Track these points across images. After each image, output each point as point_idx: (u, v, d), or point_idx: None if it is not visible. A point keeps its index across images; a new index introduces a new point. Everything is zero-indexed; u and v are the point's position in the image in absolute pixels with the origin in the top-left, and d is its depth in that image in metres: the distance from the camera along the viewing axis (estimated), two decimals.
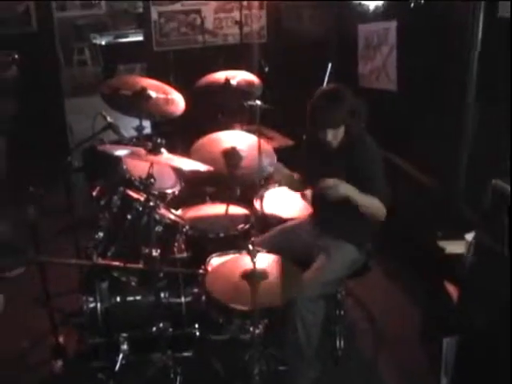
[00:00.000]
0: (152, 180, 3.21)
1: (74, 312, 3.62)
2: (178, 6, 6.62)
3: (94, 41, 10.77)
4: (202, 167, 3.39)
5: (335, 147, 3.45)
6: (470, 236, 3.20)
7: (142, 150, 3.27)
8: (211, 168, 3.49)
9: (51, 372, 3.53)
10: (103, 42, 10.46)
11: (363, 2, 5.15)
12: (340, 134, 3.41)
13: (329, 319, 3.65)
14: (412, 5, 4.41)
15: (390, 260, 4.37)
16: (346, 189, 3.25)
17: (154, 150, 3.19)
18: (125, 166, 3.77)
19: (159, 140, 3.18)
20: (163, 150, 3.27)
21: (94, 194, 3.88)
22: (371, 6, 5.04)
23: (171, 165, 3.59)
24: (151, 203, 3.24)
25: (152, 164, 3.24)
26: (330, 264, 3.44)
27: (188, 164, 3.41)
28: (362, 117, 3.45)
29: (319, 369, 3.50)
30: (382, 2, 4.91)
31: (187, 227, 3.69)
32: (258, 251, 2.95)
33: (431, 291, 3.75)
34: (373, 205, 3.31)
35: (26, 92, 6.49)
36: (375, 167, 3.40)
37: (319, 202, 3.63)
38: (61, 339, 3.60)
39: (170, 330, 3.39)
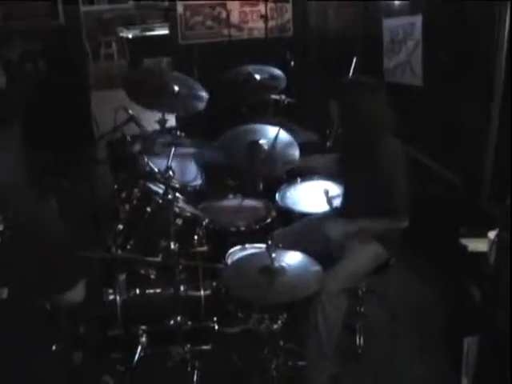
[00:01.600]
0: (171, 173, 3.20)
1: (94, 304, 3.63)
2: (203, 0, 6.61)
3: (121, 34, 10.82)
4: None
5: (356, 144, 3.44)
6: (492, 234, 3.15)
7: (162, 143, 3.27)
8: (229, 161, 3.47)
9: (71, 363, 3.54)
10: (130, 36, 10.51)
11: None
12: (358, 128, 3.41)
13: (349, 316, 3.63)
14: None
15: (411, 257, 4.32)
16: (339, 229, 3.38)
17: (175, 143, 3.18)
18: (146, 159, 3.77)
19: (178, 133, 3.17)
20: (182, 143, 3.26)
21: (116, 186, 3.89)
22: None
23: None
24: (170, 196, 3.23)
25: (171, 157, 3.23)
26: (354, 258, 3.43)
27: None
28: (384, 120, 3.42)
29: (338, 365, 3.48)
30: None
31: (207, 220, 3.68)
32: (278, 246, 2.94)
33: (453, 289, 3.71)
34: (379, 225, 3.37)
35: (53, 85, 6.55)
36: (395, 171, 3.36)
37: (346, 196, 3.65)
38: (81, 330, 3.62)
39: (189, 323, 3.38)
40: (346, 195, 3.72)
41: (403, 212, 3.35)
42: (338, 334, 3.37)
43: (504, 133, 3.82)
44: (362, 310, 3.83)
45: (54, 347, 2.62)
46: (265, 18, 6.49)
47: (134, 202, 3.57)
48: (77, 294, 2.46)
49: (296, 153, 3.93)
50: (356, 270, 3.45)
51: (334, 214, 3.72)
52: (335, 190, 3.99)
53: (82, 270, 2.47)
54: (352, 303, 3.73)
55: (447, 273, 3.85)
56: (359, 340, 3.78)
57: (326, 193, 3.87)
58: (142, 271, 3.45)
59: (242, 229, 3.82)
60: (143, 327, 3.39)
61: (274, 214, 3.97)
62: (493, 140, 3.89)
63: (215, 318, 3.47)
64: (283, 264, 2.91)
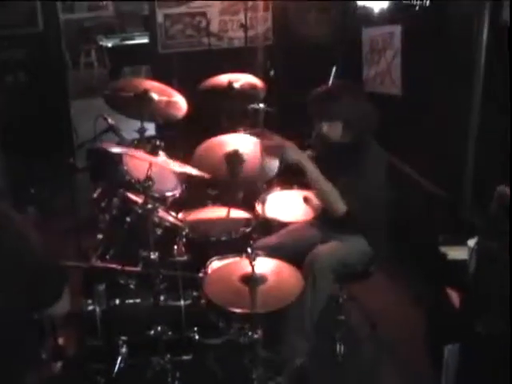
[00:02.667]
0: (150, 182, 3.18)
1: (73, 314, 3.60)
2: (183, 9, 6.62)
3: (101, 43, 10.80)
4: (195, 172, 3.37)
5: (337, 147, 3.48)
6: (472, 242, 3.17)
7: (140, 152, 3.25)
8: (205, 174, 3.46)
9: (50, 374, 3.51)
10: (109, 44, 10.47)
11: (368, 5, 5.13)
12: (337, 129, 3.44)
13: (330, 324, 3.64)
14: (417, 8, 4.38)
15: (392, 265, 4.33)
16: (296, 155, 3.36)
17: (153, 152, 3.16)
18: (125, 168, 3.75)
19: (158, 142, 3.15)
20: (161, 152, 3.24)
21: (95, 195, 3.87)
22: (376, 9, 5.01)
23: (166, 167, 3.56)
24: (150, 206, 3.22)
25: (151, 166, 3.21)
26: (344, 246, 3.52)
27: (182, 167, 3.40)
28: (369, 122, 3.45)
29: (314, 343, 3.50)
30: (386, 5, 4.88)
31: (187, 230, 3.66)
32: (258, 255, 2.93)
33: (433, 297, 3.72)
34: (328, 193, 3.39)
35: (31, 93, 6.51)
36: (371, 177, 3.40)
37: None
38: (60, 341, 3.58)
39: (169, 333, 3.36)
40: None
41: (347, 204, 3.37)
42: (320, 310, 3.42)
43: (483, 141, 3.85)
44: (343, 317, 3.83)
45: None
46: (244, 27, 6.50)
47: (114, 211, 3.55)
48: (63, 304, 2.44)
49: (276, 163, 3.92)
50: (345, 254, 3.50)
51: (315, 222, 3.74)
52: (314, 197, 3.99)
53: (65, 280, 2.45)
54: (332, 311, 3.75)
55: (427, 280, 3.87)
56: (339, 348, 3.78)
57: (306, 200, 3.89)
58: (122, 281, 3.43)
59: (222, 238, 3.80)
60: (123, 337, 3.38)
61: (253, 223, 3.96)
62: (472, 148, 3.92)
63: (196, 328, 3.46)
64: (264, 272, 2.91)
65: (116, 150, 3.30)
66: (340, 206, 3.39)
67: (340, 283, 3.62)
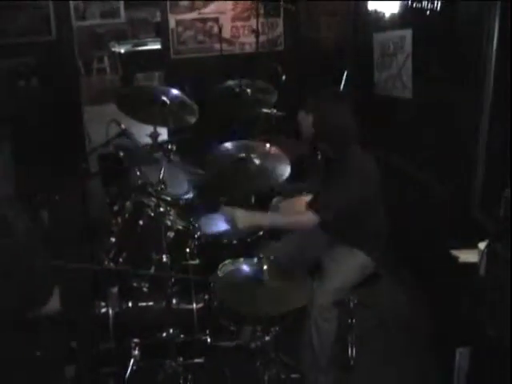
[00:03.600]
0: (163, 186, 3.21)
1: (86, 317, 3.63)
2: (195, 15, 6.65)
3: (113, 49, 10.86)
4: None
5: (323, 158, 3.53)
6: (483, 245, 3.16)
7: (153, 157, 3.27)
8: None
9: (63, 377, 3.53)
10: (122, 51, 10.54)
11: (379, 10, 5.14)
12: (307, 122, 3.45)
13: (341, 328, 3.64)
14: (428, 12, 4.39)
15: (402, 268, 4.34)
16: (245, 221, 3.33)
17: (166, 157, 3.18)
18: (138, 172, 3.78)
19: (171, 147, 3.18)
20: (174, 156, 3.26)
21: (108, 199, 3.89)
22: (387, 13, 5.03)
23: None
24: (162, 209, 3.25)
25: (164, 170, 3.24)
26: (341, 270, 3.46)
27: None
28: (348, 135, 3.45)
29: (333, 376, 3.49)
30: (397, 9, 4.89)
31: (199, 233, 3.68)
32: (270, 259, 2.95)
33: (444, 300, 3.72)
34: (292, 225, 3.48)
35: (44, 99, 6.57)
36: (341, 189, 3.34)
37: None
38: (72, 344, 3.61)
39: (181, 336, 3.39)
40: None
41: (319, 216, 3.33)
42: (332, 345, 3.40)
43: (494, 143, 3.85)
44: (354, 321, 3.83)
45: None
46: (256, 32, 6.53)
47: (126, 215, 3.58)
48: (54, 303, 2.46)
49: (287, 168, 3.94)
50: (344, 283, 3.47)
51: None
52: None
53: (53, 280, 2.48)
54: (343, 315, 3.75)
55: (438, 284, 3.86)
56: (351, 352, 3.78)
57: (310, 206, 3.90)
58: (135, 284, 3.46)
59: (234, 242, 3.82)
60: (135, 340, 3.39)
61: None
62: (483, 150, 3.92)
63: (207, 331, 3.47)
64: (275, 277, 2.92)
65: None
66: (306, 222, 3.37)
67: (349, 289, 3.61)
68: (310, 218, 3.31)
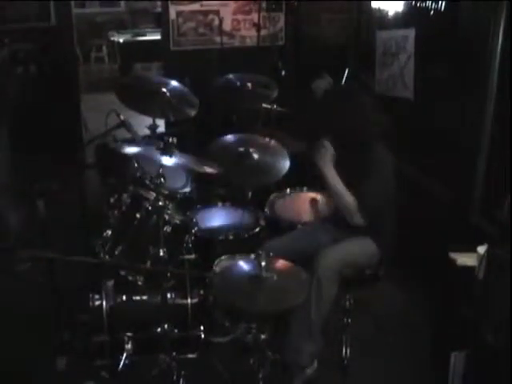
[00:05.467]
0: (162, 179, 3.18)
1: (80, 309, 3.60)
2: (196, 6, 6.60)
3: (112, 38, 10.80)
4: (210, 169, 3.37)
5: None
6: (482, 249, 3.15)
7: (152, 149, 3.24)
8: (220, 170, 3.46)
9: (55, 368, 3.51)
10: (121, 40, 10.47)
11: (382, 8, 5.11)
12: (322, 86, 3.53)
13: (336, 327, 3.63)
14: (431, 12, 4.37)
15: (400, 270, 4.32)
16: (324, 164, 3.47)
17: (165, 150, 3.15)
18: (136, 165, 3.75)
19: (171, 139, 3.14)
20: (174, 149, 3.23)
21: (105, 191, 3.86)
22: (390, 12, 5.00)
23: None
24: (160, 203, 3.22)
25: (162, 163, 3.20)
26: (353, 246, 3.54)
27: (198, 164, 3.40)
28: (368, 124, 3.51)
29: (322, 344, 3.50)
30: (401, 8, 4.87)
31: (196, 228, 3.66)
32: (267, 255, 2.93)
33: (441, 303, 3.71)
34: (345, 197, 3.46)
35: (42, 86, 6.53)
36: (377, 174, 3.46)
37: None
38: (66, 336, 3.59)
39: (175, 331, 3.37)
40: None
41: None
42: (327, 312, 3.42)
43: (495, 147, 3.84)
44: (350, 321, 3.82)
45: None
46: (257, 26, 6.49)
47: (124, 207, 3.55)
48: None
49: (286, 163, 3.92)
50: (354, 255, 3.52)
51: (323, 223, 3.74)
52: (323, 200, 3.99)
53: None
54: (339, 315, 3.74)
55: (435, 287, 3.85)
56: (346, 352, 3.77)
57: (312, 203, 3.89)
58: (130, 277, 3.43)
59: (231, 237, 3.80)
60: (129, 334, 3.37)
61: (262, 223, 3.96)
62: (483, 154, 3.90)
63: (202, 327, 3.46)
64: (272, 273, 2.90)
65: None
66: (356, 219, 3.45)
67: (348, 287, 3.60)
68: (356, 215, 3.45)
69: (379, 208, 3.48)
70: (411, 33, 4.66)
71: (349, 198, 3.45)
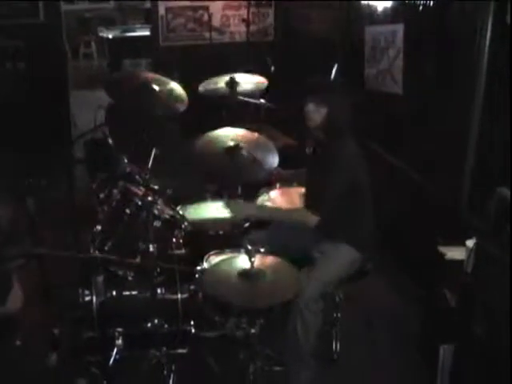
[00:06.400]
0: (151, 175, 3.18)
1: (70, 305, 3.60)
2: (185, 2, 6.62)
3: (101, 34, 10.76)
4: None
5: (321, 138, 3.53)
6: (470, 242, 3.17)
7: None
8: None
9: (45, 364, 3.50)
10: (110, 36, 10.43)
11: (371, 4, 5.12)
12: (320, 114, 3.46)
13: (326, 322, 3.64)
14: (420, 7, 4.38)
15: (389, 264, 4.35)
16: (245, 212, 3.60)
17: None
18: (125, 160, 3.74)
19: None
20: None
21: (94, 186, 3.85)
22: (379, 7, 5.01)
23: None
24: (150, 198, 3.22)
25: (152, 158, 3.21)
26: (329, 264, 3.47)
27: None
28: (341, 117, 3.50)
29: (315, 369, 3.49)
30: (390, 3, 4.88)
31: (186, 223, 3.66)
32: (257, 250, 2.93)
33: (430, 297, 3.73)
34: (292, 219, 3.55)
35: (30, 82, 6.50)
36: (336, 176, 3.41)
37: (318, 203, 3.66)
38: (56, 332, 3.57)
39: (165, 326, 3.36)
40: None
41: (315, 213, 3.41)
42: (316, 337, 3.40)
43: (483, 141, 3.85)
44: (339, 315, 3.83)
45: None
46: (247, 22, 6.49)
47: (113, 203, 3.54)
48: (14, 302, 2.44)
49: (275, 158, 3.92)
50: (332, 276, 3.47)
51: None
52: None
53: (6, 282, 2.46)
54: (329, 309, 3.75)
55: (424, 280, 3.87)
56: (335, 346, 3.78)
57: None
58: (120, 273, 3.42)
59: (221, 232, 3.80)
60: (119, 329, 3.35)
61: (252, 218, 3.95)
62: (472, 148, 3.92)
63: (192, 322, 3.45)
64: (262, 268, 2.91)
65: None
66: (308, 220, 3.43)
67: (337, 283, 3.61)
68: (308, 218, 3.42)
69: (354, 203, 3.47)
70: (400, 28, 4.67)
71: (284, 216, 3.58)
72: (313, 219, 3.41)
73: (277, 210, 3.74)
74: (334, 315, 3.83)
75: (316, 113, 3.48)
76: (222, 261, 3.19)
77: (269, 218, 3.66)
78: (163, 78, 4.29)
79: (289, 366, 3.44)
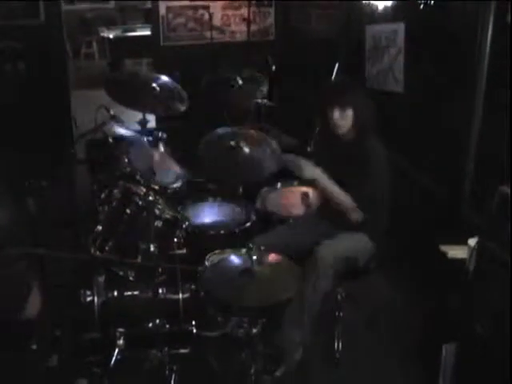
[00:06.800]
0: (152, 174, 3.18)
1: (72, 305, 3.59)
2: (186, 2, 6.61)
3: (102, 34, 10.77)
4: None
5: (345, 138, 3.55)
6: (472, 241, 3.16)
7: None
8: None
9: (46, 365, 3.49)
10: (111, 36, 10.46)
11: (372, 2, 5.11)
12: (348, 118, 3.50)
13: (328, 321, 3.64)
14: (421, 6, 4.37)
15: (391, 263, 4.33)
16: (312, 172, 3.48)
17: (155, 144, 3.15)
18: (126, 159, 3.74)
19: (160, 134, 3.14)
20: (161, 144, 3.22)
21: (95, 186, 3.85)
22: (380, 6, 5.00)
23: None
24: (151, 198, 3.21)
25: (153, 157, 3.20)
26: (346, 237, 3.54)
27: None
28: (372, 117, 3.53)
29: (312, 337, 3.52)
30: (390, 2, 4.87)
31: (187, 223, 3.65)
32: (258, 250, 2.93)
33: (432, 296, 3.72)
34: (346, 203, 3.47)
35: (31, 82, 6.50)
36: (375, 169, 3.46)
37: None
38: (57, 332, 3.57)
39: (167, 326, 3.35)
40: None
41: (361, 207, 3.46)
42: (319, 305, 3.44)
43: (485, 140, 3.84)
44: (341, 314, 3.82)
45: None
46: (247, 21, 6.49)
47: (114, 203, 3.53)
48: (34, 306, 2.44)
49: (278, 158, 3.92)
50: (352, 251, 3.52)
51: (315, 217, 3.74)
52: (314, 194, 3.98)
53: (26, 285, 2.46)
54: (331, 308, 3.74)
55: (426, 279, 3.86)
56: (338, 345, 3.77)
57: (304, 197, 3.88)
58: (121, 273, 3.41)
59: (222, 232, 3.80)
60: (121, 329, 3.34)
61: (253, 217, 3.95)
62: (473, 147, 3.91)
63: (194, 322, 3.45)
64: (264, 267, 2.90)
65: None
66: (356, 215, 3.47)
67: (340, 280, 3.60)
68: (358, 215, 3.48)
69: (375, 202, 3.49)
70: (401, 27, 4.67)
71: (344, 197, 3.47)
72: (357, 215, 3.47)
73: (335, 185, 3.58)
74: (336, 314, 3.82)
75: (344, 118, 3.51)
76: (224, 260, 3.18)
77: (328, 190, 3.55)
78: (165, 78, 4.29)
79: (289, 332, 3.45)
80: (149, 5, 8.27)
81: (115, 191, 3.55)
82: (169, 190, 3.91)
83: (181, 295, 3.43)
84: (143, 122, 4.17)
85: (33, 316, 2.53)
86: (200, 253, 3.56)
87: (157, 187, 3.57)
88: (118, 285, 3.41)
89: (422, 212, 4.38)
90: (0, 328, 2.41)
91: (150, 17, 7.12)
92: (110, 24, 11.29)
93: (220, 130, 4.03)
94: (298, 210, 3.96)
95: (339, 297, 3.78)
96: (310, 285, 3.35)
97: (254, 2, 6.62)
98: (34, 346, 2.73)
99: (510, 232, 2.79)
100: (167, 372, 3.30)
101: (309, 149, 4.03)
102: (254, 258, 2.84)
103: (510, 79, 3.46)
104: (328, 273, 3.38)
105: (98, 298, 3.32)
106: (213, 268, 3.20)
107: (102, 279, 3.33)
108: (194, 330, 3.44)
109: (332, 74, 5.03)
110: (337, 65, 4.65)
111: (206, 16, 6.60)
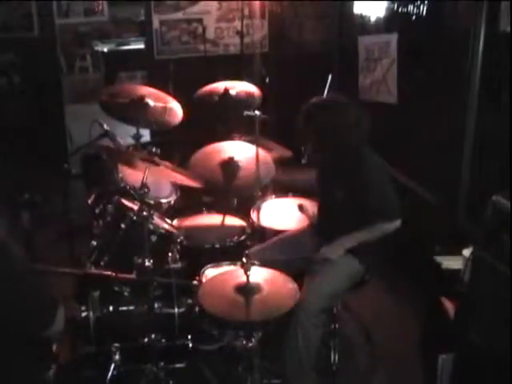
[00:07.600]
0: (146, 189, 3.18)
1: (67, 320, 3.58)
2: (179, 15, 6.61)
3: (96, 48, 10.79)
4: (190, 182, 3.37)
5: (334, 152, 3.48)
6: (467, 252, 3.16)
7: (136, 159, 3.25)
8: (200, 184, 3.47)
9: (43, 379, 3.48)
10: (105, 49, 10.49)
11: (364, 14, 5.14)
12: (325, 143, 3.46)
13: (324, 333, 3.62)
14: (413, 17, 4.39)
15: (386, 274, 4.33)
16: (337, 249, 3.40)
17: (149, 159, 3.15)
18: (120, 175, 3.74)
19: (154, 149, 3.15)
20: (157, 159, 3.22)
21: (90, 201, 3.85)
22: (372, 17, 5.02)
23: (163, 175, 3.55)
24: (145, 212, 3.21)
25: (146, 172, 3.20)
26: (332, 276, 3.42)
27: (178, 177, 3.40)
28: (362, 130, 3.43)
29: (316, 381, 3.47)
30: (383, 13, 4.89)
31: (182, 237, 3.65)
32: (253, 264, 2.92)
33: (428, 307, 3.72)
34: (373, 232, 3.38)
35: (25, 97, 6.50)
36: (372, 181, 3.37)
37: (323, 215, 3.64)
38: (53, 347, 3.56)
39: (163, 340, 3.35)
40: (323, 213, 3.71)
41: (390, 213, 3.39)
42: (317, 351, 3.38)
43: (479, 149, 3.85)
44: (337, 326, 3.82)
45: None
46: (240, 34, 6.50)
47: (108, 218, 3.54)
48: (58, 325, 2.45)
49: (271, 170, 3.92)
50: (334, 289, 3.43)
51: (310, 230, 3.74)
52: (310, 206, 3.99)
53: (55, 300, 2.46)
54: (327, 321, 3.73)
55: (421, 290, 3.86)
56: (334, 357, 3.76)
57: (301, 208, 3.88)
58: (116, 288, 3.42)
59: (217, 246, 3.79)
60: (116, 344, 3.35)
61: (248, 230, 3.95)
62: (468, 158, 3.92)
63: (189, 336, 3.44)
64: (259, 281, 2.90)
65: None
66: (389, 226, 3.43)
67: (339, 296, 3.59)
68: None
69: (369, 214, 3.41)
70: (394, 38, 4.69)
71: (374, 233, 3.41)
72: (392, 224, 3.43)
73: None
74: (332, 326, 3.81)
75: (320, 144, 3.49)
76: (219, 274, 3.18)
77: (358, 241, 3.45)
78: (157, 92, 4.30)
79: (289, 379, 3.40)
80: (143, 18, 8.29)
81: (109, 206, 3.56)
82: (163, 204, 3.91)
83: (176, 310, 3.44)
84: (137, 136, 4.17)
85: (56, 333, 2.52)
86: (195, 267, 3.56)
87: (151, 202, 3.57)
88: (113, 300, 3.41)
89: (417, 222, 4.38)
90: (26, 343, 2.41)
91: (144, 30, 7.13)
92: (104, 37, 11.31)
93: (214, 144, 4.04)
94: (292, 222, 3.96)
95: (334, 309, 3.77)
96: (300, 338, 3.27)
97: (247, 14, 6.63)
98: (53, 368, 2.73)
99: (505, 242, 2.79)
100: None
101: (303, 161, 4.02)
102: (249, 272, 2.84)
103: (504, 89, 3.48)
104: (315, 322, 3.29)
105: (93, 313, 3.32)
106: (208, 282, 3.20)
107: (97, 294, 3.33)
108: (190, 345, 3.44)
109: (325, 86, 5.04)
110: (329, 76, 4.65)
111: (200, 29, 6.61)
